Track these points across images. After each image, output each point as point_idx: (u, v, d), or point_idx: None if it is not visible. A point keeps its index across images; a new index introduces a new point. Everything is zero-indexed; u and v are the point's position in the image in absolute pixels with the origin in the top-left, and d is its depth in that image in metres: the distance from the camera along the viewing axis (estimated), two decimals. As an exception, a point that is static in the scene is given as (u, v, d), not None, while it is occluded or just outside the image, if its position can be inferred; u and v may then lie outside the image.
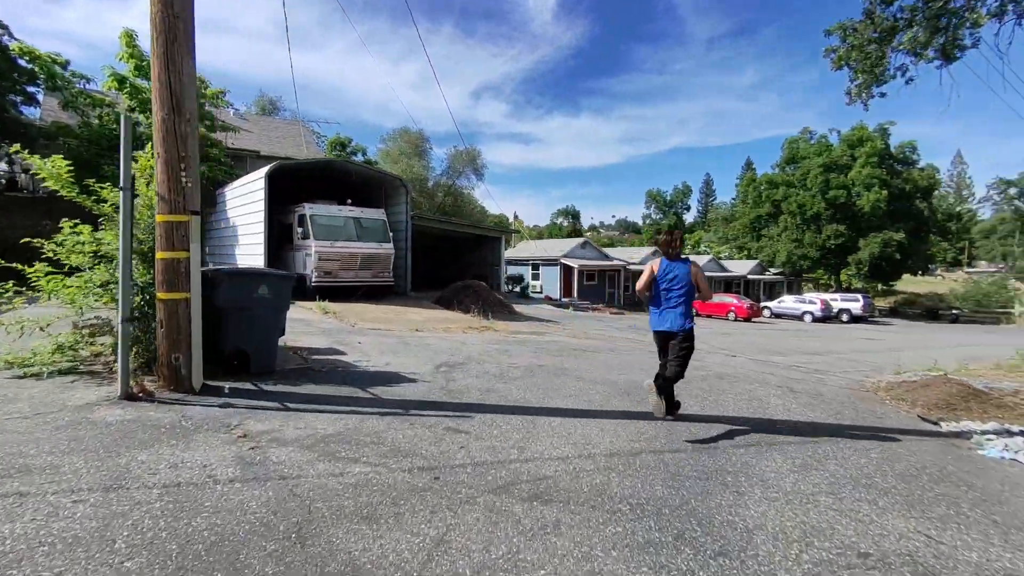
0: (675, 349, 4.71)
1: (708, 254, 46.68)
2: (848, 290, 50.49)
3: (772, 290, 44.00)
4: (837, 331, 26.94)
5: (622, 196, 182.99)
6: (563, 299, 29.31)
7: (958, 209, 47.03)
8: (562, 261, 30.42)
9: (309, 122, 35.08)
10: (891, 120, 39.91)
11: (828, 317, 33.33)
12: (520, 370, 7.09)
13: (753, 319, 29.58)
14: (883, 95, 7.24)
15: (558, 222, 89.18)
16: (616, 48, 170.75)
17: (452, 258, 29.26)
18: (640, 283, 4.86)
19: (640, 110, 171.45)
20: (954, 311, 37.28)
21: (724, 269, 41.72)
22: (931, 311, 39.76)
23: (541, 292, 30.96)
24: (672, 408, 4.90)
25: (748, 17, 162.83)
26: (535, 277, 31.99)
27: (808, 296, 35.77)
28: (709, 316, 29.97)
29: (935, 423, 6.07)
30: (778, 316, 34.63)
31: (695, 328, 4.90)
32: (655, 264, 4.82)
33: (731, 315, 29.39)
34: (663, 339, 4.88)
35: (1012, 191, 55.08)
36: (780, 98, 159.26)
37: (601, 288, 32.58)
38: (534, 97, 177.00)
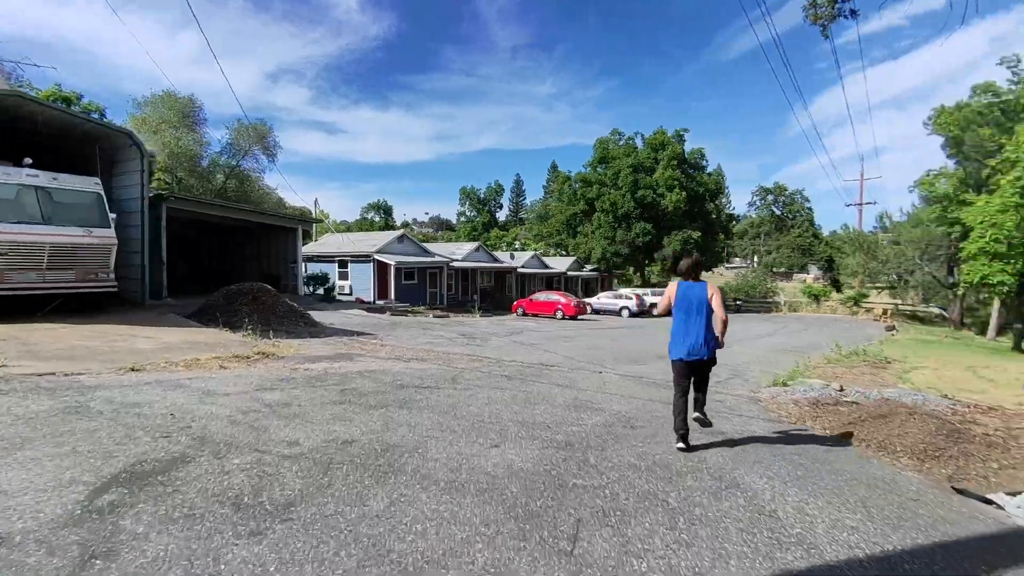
0: (700, 374, 4.58)
1: (527, 251, 46.33)
2: (656, 286, 54.70)
3: (588, 287, 45.20)
4: (658, 324, 27.55)
5: (435, 193, 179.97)
6: (378, 301, 25.14)
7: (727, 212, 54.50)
8: (376, 257, 26.15)
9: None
10: (685, 128, 43.79)
11: (643, 311, 34.52)
12: (296, 480, 3.21)
13: (579, 316, 28.86)
14: (854, 13, 5.05)
15: (368, 216, 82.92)
16: (425, 46, 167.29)
17: (235, 254, 23.07)
18: (659, 308, 4.88)
19: (450, 109, 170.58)
20: (738, 301, 41.90)
21: (545, 266, 41.45)
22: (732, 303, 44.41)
23: (351, 294, 26.32)
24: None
25: (545, 32, 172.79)
26: (343, 276, 27.17)
27: (624, 291, 36.85)
28: (536, 315, 28.48)
29: (987, 501, 3.90)
30: (598, 312, 34.97)
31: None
32: (672, 289, 4.68)
33: (559, 313, 28.26)
34: (688, 368, 4.52)
35: (770, 198, 66.07)
36: (573, 110, 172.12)
37: (422, 288, 29.04)
38: (340, 86, 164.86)
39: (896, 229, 36.21)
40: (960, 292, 34.39)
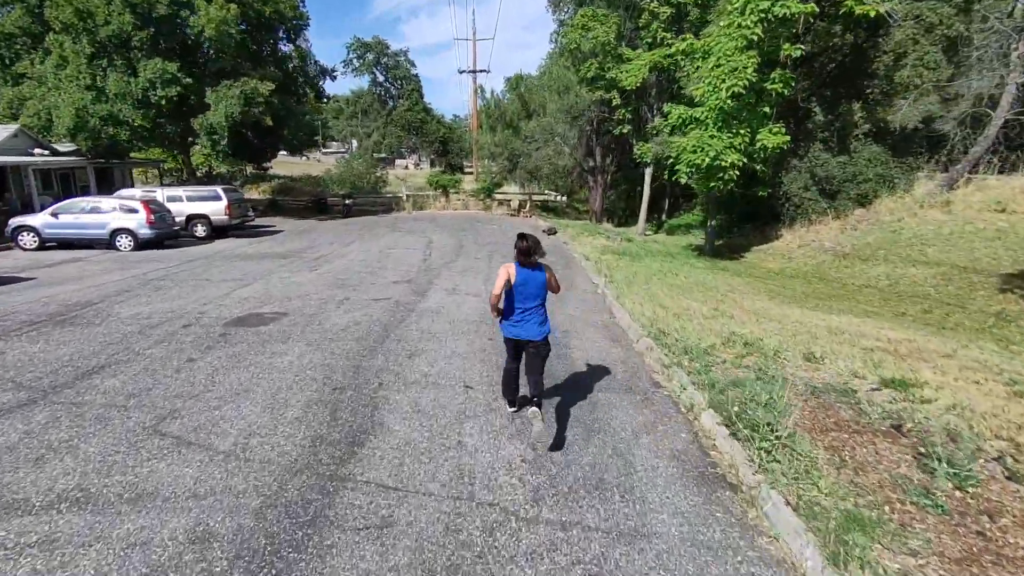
0: (533, 355, 4.54)
1: None
2: (207, 179, 35.39)
3: (70, 184, 23.58)
4: (203, 266, 11.89)
5: None
6: None
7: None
8: None
9: None
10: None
11: (169, 235, 17.24)
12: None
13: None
14: None
15: None
16: None
17: None
18: (494, 292, 4.51)
19: None
20: (348, 201, 28.33)
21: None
22: (319, 201, 29.85)
23: None
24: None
25: None
26: None
27: (124, 194, 18.21)
28: None
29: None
30: (49, 245, 16.10)
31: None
32: (511, 270, 4.41)
33: None
34: (518, 347, 4.69)
35: (369, 57, 51.76)
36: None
37: None
38: None
39: (532, 96, 28.43)
40: (608, 179, 29.53)
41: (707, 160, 13.98)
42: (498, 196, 31.94)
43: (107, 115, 20.91)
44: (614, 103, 22.86)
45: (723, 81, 14.29)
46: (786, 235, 19.14)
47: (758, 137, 15.39)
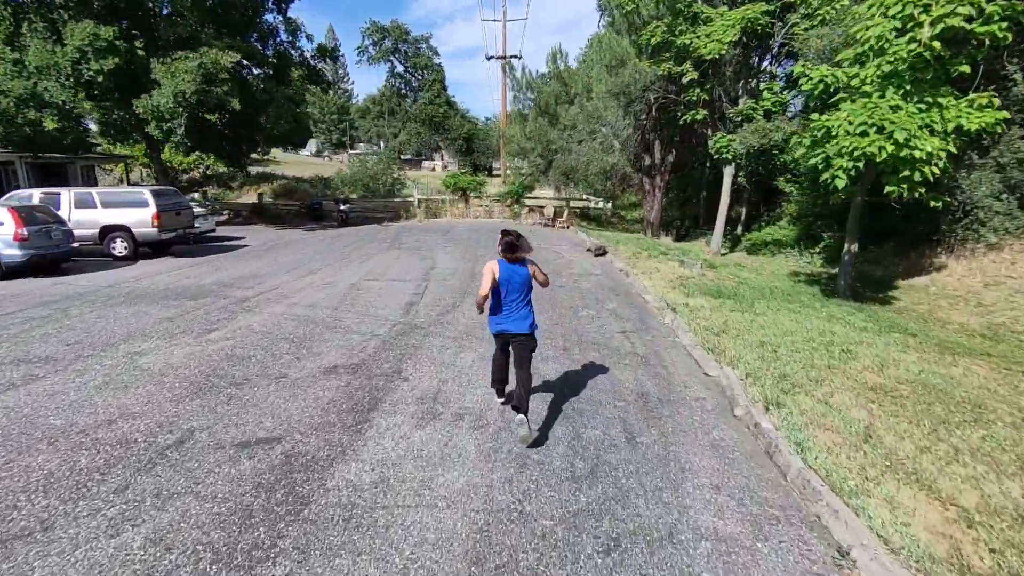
0: (520, 349, 4.48)
1: None
2: (204, 179, 31.12)
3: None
4: (26, 322, 6.48)
5: None
6: None
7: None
8: None
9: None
10: None
11: (61, 256, 12.26)
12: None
13: None
14: None
15: None
16: None
17: None
18: (481, 294, 4.46)
19: None
20: (343, 207, 23.19)
21: None
22: (312, 207, 24.79)
23: None
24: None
25: None
26: None
27: (20, 195, 13.40)
28: None
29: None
30: None
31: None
32: (495, 268, 4.37)
33: None
34: (505, 341, 4.69)
35: (387, 43, 46.64)
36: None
37: None
38: None
39: (574, 77, 22.66)
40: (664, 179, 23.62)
41: (888, 149, 8.09)
42: (528, 201, 26.36)
43: (27, 95, 16.16)
44: (686, 77, 16.96)
45: (921, 11, 8.37)
46: (952, 264, 12.98)
47: (946, 115, 9.36)
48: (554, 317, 8.39)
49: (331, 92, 23.45)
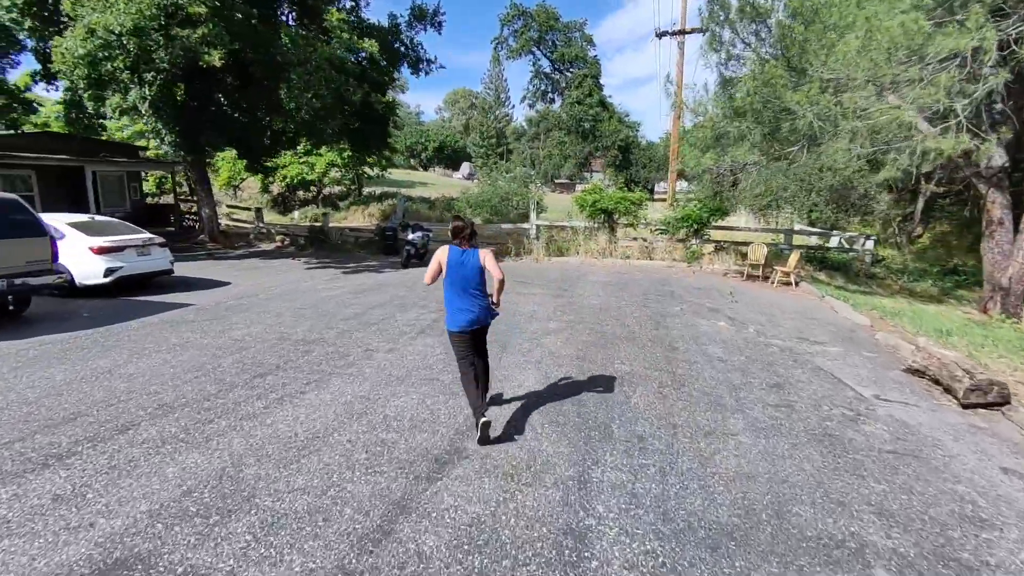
0: (477, 337, 4.29)
1: None
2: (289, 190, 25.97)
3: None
4: None
5: None
6: None
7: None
8: None
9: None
10: None
11: None
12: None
13: None
14: None
15: None
16: None
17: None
18: (427, 276, 4.19)
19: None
20: (413, 235, 14.97)
21: None
22: (387, 236, 17.10)
23: None
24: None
25: None
26: None
27: None
28: None
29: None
30: None
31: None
32: (443, 255, 4.14)
33: None
34: (467, 338, 4.24)
35: (531, 33, 38.74)
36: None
37: None
38: None
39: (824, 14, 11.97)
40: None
41: None
42: (717, 233, 15.88)
43: None
44: None
45: None
46: None
47: None
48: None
49: (423, 72, 16.76)
